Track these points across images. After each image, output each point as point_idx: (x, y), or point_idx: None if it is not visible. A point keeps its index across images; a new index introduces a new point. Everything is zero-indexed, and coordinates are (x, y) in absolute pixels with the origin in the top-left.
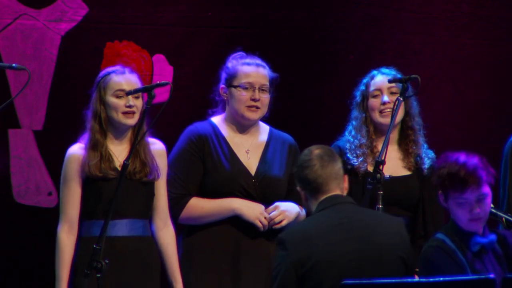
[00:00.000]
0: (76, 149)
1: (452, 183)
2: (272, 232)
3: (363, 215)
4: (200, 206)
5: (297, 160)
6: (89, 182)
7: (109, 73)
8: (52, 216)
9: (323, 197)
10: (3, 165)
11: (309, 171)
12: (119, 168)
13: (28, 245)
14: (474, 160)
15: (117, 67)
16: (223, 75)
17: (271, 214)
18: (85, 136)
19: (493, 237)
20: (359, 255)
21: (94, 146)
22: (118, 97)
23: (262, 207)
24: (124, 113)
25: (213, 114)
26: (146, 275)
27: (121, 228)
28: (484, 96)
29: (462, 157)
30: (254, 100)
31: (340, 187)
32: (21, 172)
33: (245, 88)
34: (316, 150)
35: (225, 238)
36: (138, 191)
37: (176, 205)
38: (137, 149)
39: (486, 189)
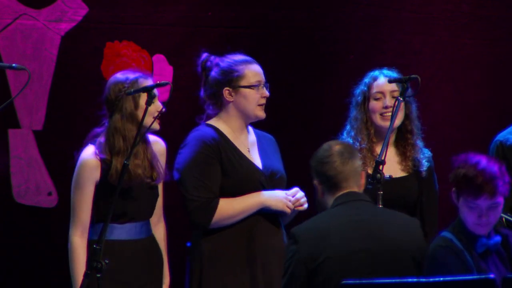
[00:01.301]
0: (91, 154)
1: (467, 187)
2: (276, 220)
3: (378, 214)
4: (231, 206)
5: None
6: (105, 187)
7: (137, 78)
8: (52, 216)
9: (340, 193)
10: (3, 165)
11: (329, 167)
12: (132, 174)
13: (28, 245)
14: (493, 169)
15: (138, 72)
16: (221, 77)
17: (296, 196)
18: (99, 140)
19: (498, 238)
20: (371, 253)
21: (118, 153)
22: (152, 103)
23: (283, 192)
24: (155, 117)
25: (201, 121)
26: (153, 276)
27: (129, 231)
28: (484, 96)
29: (482, 163)
30: (265, 97)
31: (358, 184)
32: (21, 172)
33: (257, 87)
34: (336, 146)
35: (240, 236)
36: (147, 195)
37: (205, 210)
38: (145, 153)
39: (499, 199)
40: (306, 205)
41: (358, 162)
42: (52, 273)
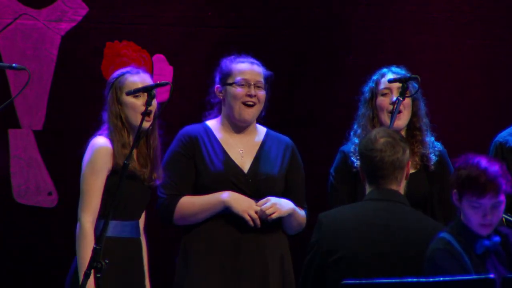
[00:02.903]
0: (105, 142)
1: (471, 187)
2: (266, 225)
3: (404, 218)
4: (191, 202)
5: (296, 159)
6: (114, 178)
7: (123, 73)
8: (52, 216)
9: (376, 187)
10: (3, 165)
11: (370, 161)
12: (138, 171)
13: (28, 245)
14: (495, 167)
15: (130, 67)
16: (217, 76)
17: (262, 207)
18: (106, 131)
19: (497, 239)
20: (388, 259)
21: (124, 145)
22: (135, 96)
23: (253, 201)
24: (142, 115)
25: (209, 116)
26: (144, 276)
27: (131, 229)
28: (484, 96)
29: (483, 162)
30: (250, 96)
31: (397, 179)
32: (21, 172)
33: (241, 85)
34: (381, 139)
35: (218, 237)
36: (145, 195)
37: (168, 206)
38: (148, 153)
39: (502, 197)
40: (276, 215)
41: (401, 156)
42: (52, 273)
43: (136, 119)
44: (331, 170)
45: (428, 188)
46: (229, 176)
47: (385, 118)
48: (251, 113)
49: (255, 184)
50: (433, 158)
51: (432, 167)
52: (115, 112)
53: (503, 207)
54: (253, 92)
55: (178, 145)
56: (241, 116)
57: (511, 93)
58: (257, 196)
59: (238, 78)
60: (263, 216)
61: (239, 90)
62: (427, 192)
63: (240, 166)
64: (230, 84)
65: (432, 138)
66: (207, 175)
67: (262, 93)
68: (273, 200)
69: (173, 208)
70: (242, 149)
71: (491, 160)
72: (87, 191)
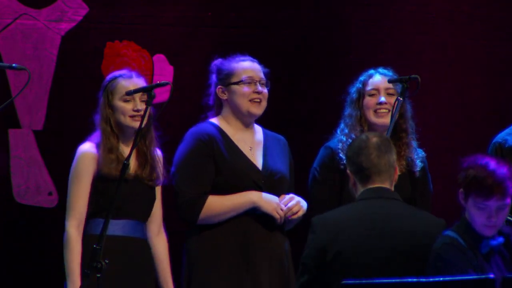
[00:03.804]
0: (89, 148)
1: (477, 188)
2: (269, 223)
3: (401, 214)
4: (220, 202)
5: (291, 157)
6: (101, 182)
7: (115, 77)
8: (52, 216)
9: (370, 186)
10: (3, 165)
11: (365, 159)
12: (131, 171)
13: (28, 245)
14: (503, 170)
15: (124, 71)
16: (216, 77)
17: (289, 205)
18: (95, 136)
19: (501, 239)
20: (385, 254)
21: (110, 150)
22: (125, 101)
23: (277, 198)
24: (132, 116)
25: (206, 119)
26: (145, 279)
27: (124, 227)
28: (484, 96)
29: (492, 164)
30: (257, 92)
31: (391, 178)
32: (21, 172)
33: (248, 83)
34: (374, 138)
35: (225, 236)
36: (145, 194)
37: (193, 205)
38: (146, 153)
39: (508, 200)
40: (301, 213)
41: (393, 157)
42: (52, 273)
43: (125, 122)
44: (316, 166)
45: (411, 193)
46: (249, 174)
47: (371, 116)
48: (259, 110)
49: (270, 182)
50: (419, 164)
51: (418, 173)
52: (105, 116)
53: (507, 210)
54: (259, 89)
55: (196, 143)
56: (250, 113)
57: (511, 93)
58: (270, 192)
59: (244, 76)
60: (288, 214)
61: (246, 89)
62: (411, 196)
63: (254, 163)
64: (236, 83)
65: (415, 143)
66: (228, 173)
67: (266, 91)
68: (296, 198)
69: (201, 207)
70: (250, 146)
71: (500, 162)
72: (71, 196)
